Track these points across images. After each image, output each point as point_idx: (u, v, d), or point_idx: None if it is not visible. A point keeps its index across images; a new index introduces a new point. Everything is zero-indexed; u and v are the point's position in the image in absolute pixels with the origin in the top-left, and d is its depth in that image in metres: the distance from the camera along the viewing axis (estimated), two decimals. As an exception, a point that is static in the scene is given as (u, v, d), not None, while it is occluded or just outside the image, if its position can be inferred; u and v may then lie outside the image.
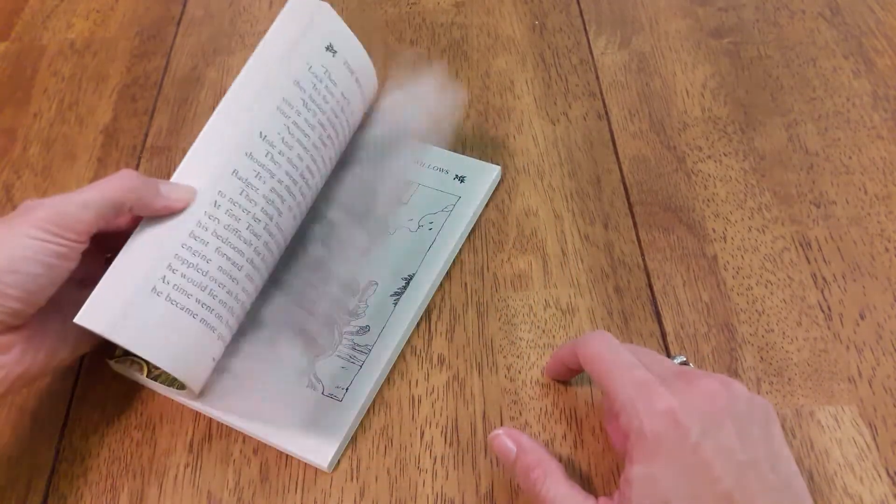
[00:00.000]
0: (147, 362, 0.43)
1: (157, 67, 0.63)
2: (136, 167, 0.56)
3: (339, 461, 0.41)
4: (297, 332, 0.42)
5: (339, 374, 0.42)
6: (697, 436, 0.31)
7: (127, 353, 0.43)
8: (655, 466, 0.32)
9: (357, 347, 0.43)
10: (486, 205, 0.51)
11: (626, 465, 0.33)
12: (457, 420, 0.42)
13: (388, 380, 0.44)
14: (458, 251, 0.48)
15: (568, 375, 0.42)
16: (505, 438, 0.37)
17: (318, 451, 0.40)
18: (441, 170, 0.51)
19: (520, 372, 0.43)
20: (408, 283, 0.45)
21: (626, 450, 0.33)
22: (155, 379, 0.43)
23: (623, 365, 0.35)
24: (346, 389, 0.42)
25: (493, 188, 0.51)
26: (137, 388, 0.44)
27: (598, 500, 0.34)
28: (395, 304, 0.45)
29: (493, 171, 0.51)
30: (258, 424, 0.41)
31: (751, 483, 0.31)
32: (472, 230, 0.49)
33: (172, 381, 0.42)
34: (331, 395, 0.42)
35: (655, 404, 0.32)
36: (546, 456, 0.36)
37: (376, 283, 0.45)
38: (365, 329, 0.44)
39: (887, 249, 0.46)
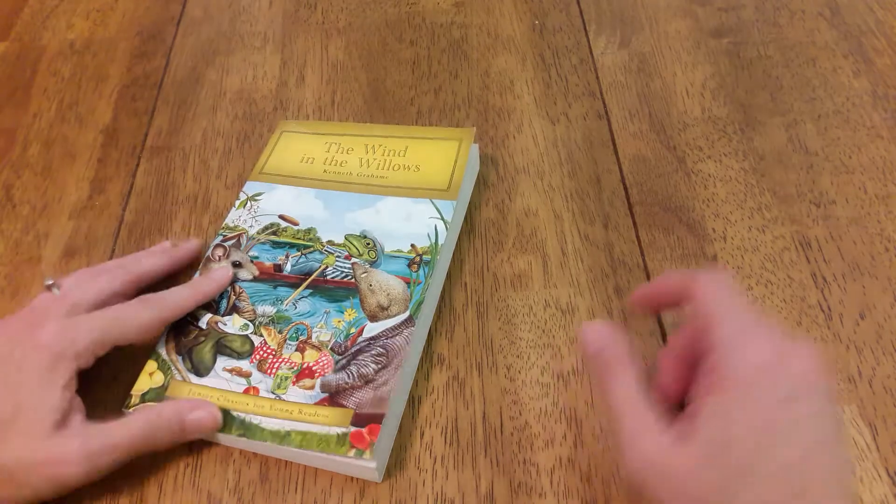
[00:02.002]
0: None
1: (157, 67, 0.63)
2: (136, 167, 0.56)
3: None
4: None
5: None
6: (785, 396, 0.31)
7: (144, 398, 0.42)
8: (734, 409, 0.31)
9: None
10: (487, 204, 0.51)
11: (702, 397, 0.32)
12: (457, 420, 0.42)
13: (388, 380, 0.44)
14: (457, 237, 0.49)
15: (657, 309, 0.41)
16: (594, 331, 0.36)
17: (365, 463, 0.39)
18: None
19: (520, 372, 0.43)
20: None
21: (702, 383, 0.32)
22: None
23: (739, 305, 0.34)
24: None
25: (477, 161, 0.52)
26: (137, 388, 0.44)
27: (671, 421, 0.32)
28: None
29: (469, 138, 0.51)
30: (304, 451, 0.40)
31: (816, 460, 0.31)
32: (472, 230, 0.50)
33: None
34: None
35: (757, 350, 0.32)
36: (627, 354, 0.34)
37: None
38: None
39: (887, 249, 0.46)
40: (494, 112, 0.56)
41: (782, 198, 0.49)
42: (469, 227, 0.50)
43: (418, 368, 0.44)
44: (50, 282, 0.43)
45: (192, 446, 0.42)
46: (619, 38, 0.59)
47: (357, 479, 0.40)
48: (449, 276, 0.48)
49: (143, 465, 0.42)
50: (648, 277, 0.46)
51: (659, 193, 0.50)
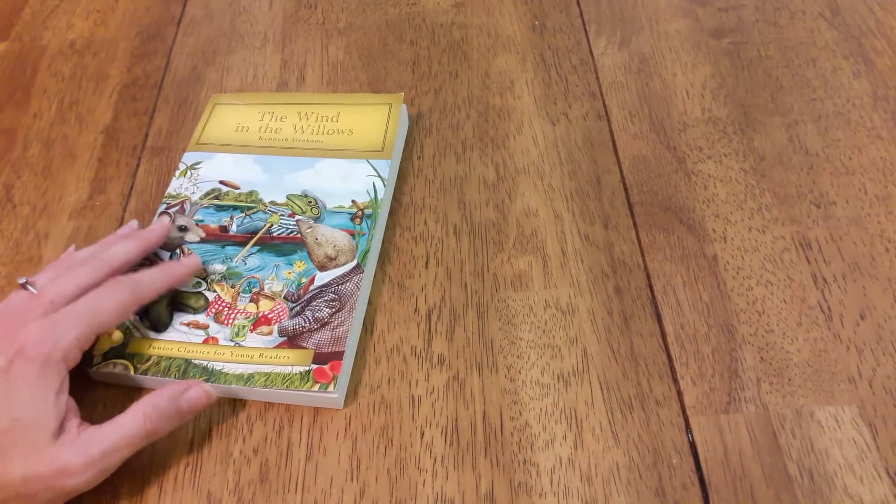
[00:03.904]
0: (132, 360, 0.44)
1: (158, 67, 0.63)
2: (137, 167, 0.56)
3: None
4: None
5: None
6: None
7: (106, 357, 0.44)
8: None
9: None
10: (487, 204, 0.51)
11: None
12: (457, 420, 0.42)
13: (389, 380, 0.44)
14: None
15: None
16: None
17: (329, 395, 0.42)
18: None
19: (520, 372, 0.43)
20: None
21: None
22: (145, 373, 0.43)
23: None
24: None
25: (406, 122, 0.55)
26: (136, 386, 0.44)
27: None
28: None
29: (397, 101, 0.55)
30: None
31: None
32: (472, 230, 0.50)
33: (166, 371, 0.43)
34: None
35: None
36: None
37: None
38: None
39: (887, 250, 0.46)
40: (494, 112, 0.56)
41: (782, 198, 0.49)
42: (469, 227, 0.50)
43: (418, 368, 0.44)
44: (23, 280, 0.41)
45: (192, 446, 0.42)
46: (620, 38, 0.60)
47: (358, 479, 0.40)
48: (449, 275, 0.48)
49: (142, 465, 0.42)
50: (649, 278, 0.46)
51: (659, 194, 0.50)
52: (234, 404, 0.43)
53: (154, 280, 0.44)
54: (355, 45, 0.63)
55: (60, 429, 0.38)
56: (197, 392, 0.41)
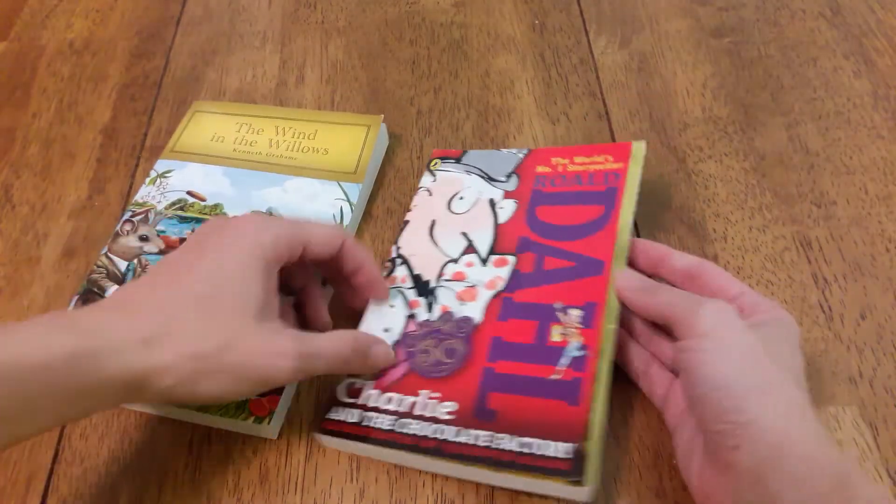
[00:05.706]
0: None
1: (157, 67, 0.63)
2: (136, 167, 0.56)
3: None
4: None
5: None
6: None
7: None
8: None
9: None
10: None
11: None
12: (457, 420, 0.42)
13: (388, 380, 0.44)
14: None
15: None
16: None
17: (263, 427, 0.41)
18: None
19: (520, 372, 0.43)
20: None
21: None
22: None
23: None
24: None
25: (386, 141, 0.54)
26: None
27: None
28: None
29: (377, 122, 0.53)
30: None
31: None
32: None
33: None
34: None
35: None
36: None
37: None
38: None
39: (888, 250, 0.46)
40: (494, 112, 0.56)
41: (783, 198, 0.49)
42: (469, 227, 0.50)
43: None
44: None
45: (192, 447, 0.42)
46: (620, 37, 0.59)
47: (357, 480, 0.40)
48: (449, 276, 0.47)
49: (142, 465, 0.42)
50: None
51: (659, 193, 0.50)
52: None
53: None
54: (355, 44, 0.63)
55: (262, 315, 0.37)
56: (383, 348, 0.41)
